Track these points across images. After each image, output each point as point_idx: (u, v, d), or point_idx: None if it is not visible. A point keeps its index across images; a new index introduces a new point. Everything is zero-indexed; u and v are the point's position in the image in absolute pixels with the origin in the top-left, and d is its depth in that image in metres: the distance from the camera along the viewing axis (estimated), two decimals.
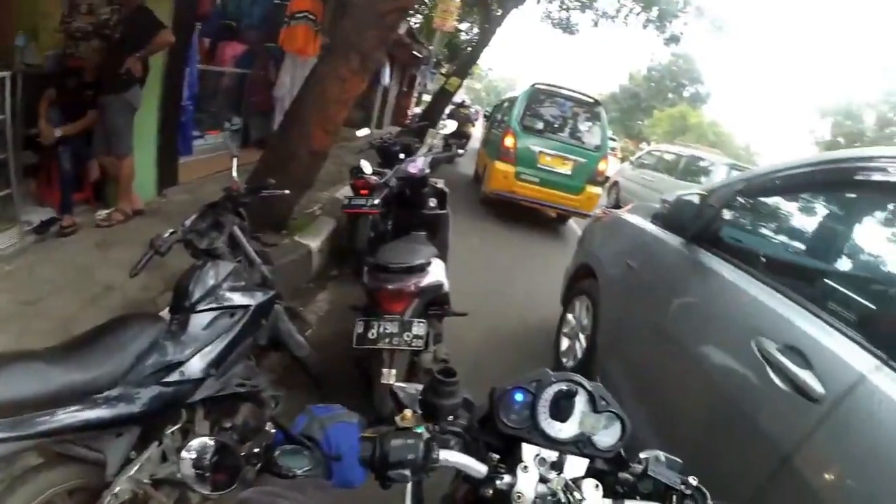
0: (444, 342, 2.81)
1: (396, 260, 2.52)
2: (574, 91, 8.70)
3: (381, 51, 4.11)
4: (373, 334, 2.37)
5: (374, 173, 3.77)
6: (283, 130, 4.25)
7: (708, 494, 0.88)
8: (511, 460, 0.91)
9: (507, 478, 0.87)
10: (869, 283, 1.67)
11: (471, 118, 15.64)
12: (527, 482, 0.87)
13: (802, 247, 2.14)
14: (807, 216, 2.21)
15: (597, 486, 0.87)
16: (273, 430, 0.82)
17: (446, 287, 2.75)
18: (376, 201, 3.45)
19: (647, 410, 2.18)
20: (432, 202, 3.70)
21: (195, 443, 0.80)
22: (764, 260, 2.04)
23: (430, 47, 14.39)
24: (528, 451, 0.93)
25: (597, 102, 8.77)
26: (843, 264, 1.93)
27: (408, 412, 0.90)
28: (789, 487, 1.38)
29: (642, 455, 0.94)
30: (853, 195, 1.97)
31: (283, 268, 3.62)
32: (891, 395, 1.24)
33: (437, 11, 12.49)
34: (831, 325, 1.50)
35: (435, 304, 2.80)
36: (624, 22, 16.22)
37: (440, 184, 3.80)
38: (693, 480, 0.87)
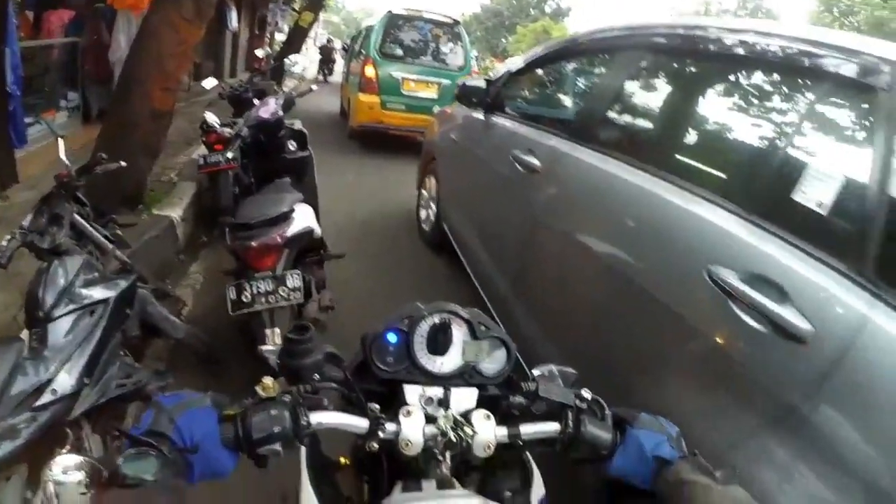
0: (328, 288, 2.74)
1: (255, 214, 2.38)
2: (432, 13, 8.52)
3: None
4: (247, 297, 2.27)
5: (224, 125, 3.51)
6: (120, 95, 3.79)
7: (605, 404, 0.87)
8: (396, 406, 0.86)
9: (390, 426, 0.82)
10: (565, 107, 3.17)
11: (335, 49, 17.94)
12: (412, 426, 0.82)
13: (539, 99, 3.52)
14: (542, 84, 3.54)
15: (487, 416, 0.85)
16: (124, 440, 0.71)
17: (318, 232, 2.65)
18: (231, 155, 3.26)
19: (471, 222, 3.43)
20: (292, 145, 3.49)
21: (57, 466, 0.70)
22: (522, 110, 3.31)
23: None
24: (412, 392, 0.89)
25: (456, 22, 8.65)
26: (554, 104, 3.35)
27: (267, 380, 0.80)
28: (542, 234, 2.39)
29: (535, 372, 0.94)
30: (568, 65, 3.24)
31: (146, 246, 3.36)
32: (574, 155, 2.29)
33: None
34: (550, 133, 2.60)
35: (309, 251, 2.72)
36: None
37: (298, 124, 3.59)
38: (587, 393, 0.86)
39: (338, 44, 19.83)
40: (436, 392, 0.89)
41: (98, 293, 1.72)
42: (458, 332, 0.92)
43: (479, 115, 3.51)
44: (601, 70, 2.73)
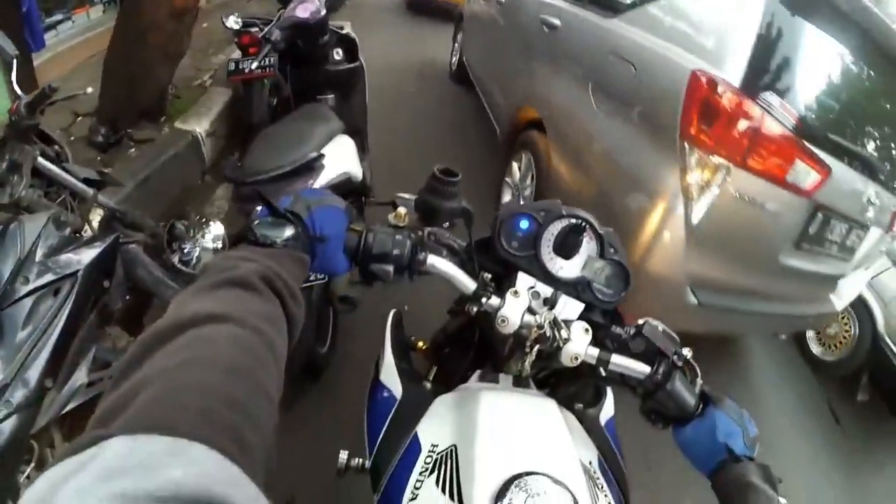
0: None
1: (268, 164, 1.74)
2: None
3: None
4: None
5: (251, 24, 2.97)
6: None
7: (699, 371, 0.84)
8: (505, 287, 0.87)
9: (494, 299, 0.84)
10: None
11: None
12: (514, 307, 0.83)
13: None
14: None
15: (587, 329, 0.83)
16: (258, 208, 0.75)
17: (358, 174, 2.03)
18: (264, 62, 2.70)
19: (484, 60, 4.79)
20: (338, 54, 2.88)
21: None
22: None
23: None
24: (523, 281, 0.90)
25: None
26: None
27: (402, 210, 0.85)
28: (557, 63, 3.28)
29: (640, 321, 0.89)
30: None
31: (163, 168, 2.95)
32: (574, 13, 3.14)
33: None
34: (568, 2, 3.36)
35: (347, 195, 2.15)
36: None
37: (346, 28, 2.94)
38: (687, 352, 0.83)
39: None
40: (546, 290, 0.89)
41: (64, 264, 1.36)
42: (587, 245, 0.91)
43: None
44: None
